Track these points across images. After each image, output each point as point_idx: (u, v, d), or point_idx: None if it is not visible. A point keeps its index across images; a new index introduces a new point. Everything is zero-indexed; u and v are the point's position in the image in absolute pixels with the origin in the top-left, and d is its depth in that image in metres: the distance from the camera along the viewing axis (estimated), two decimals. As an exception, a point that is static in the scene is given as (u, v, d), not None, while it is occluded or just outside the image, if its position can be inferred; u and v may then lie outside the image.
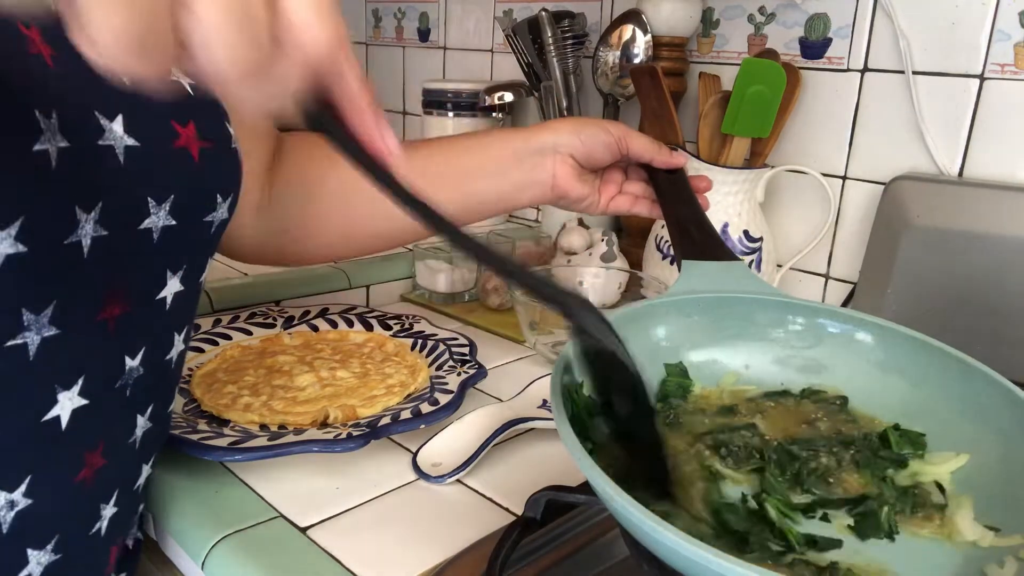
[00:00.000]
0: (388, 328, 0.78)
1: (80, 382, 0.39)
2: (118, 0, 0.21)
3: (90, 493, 0.43)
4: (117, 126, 0.39)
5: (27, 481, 0.38)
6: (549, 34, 1.06)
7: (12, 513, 0.38)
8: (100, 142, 0.39)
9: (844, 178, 0.89)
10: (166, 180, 0.42)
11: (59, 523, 0.41)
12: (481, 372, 0.67)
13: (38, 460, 0.39)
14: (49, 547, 0.40)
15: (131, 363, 0.43)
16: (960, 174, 0.81)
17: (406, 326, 0.78)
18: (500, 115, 1.21)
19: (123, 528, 0.47)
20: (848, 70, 0.87)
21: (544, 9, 1.08)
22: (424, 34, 1.41)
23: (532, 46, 1.11)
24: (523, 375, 0.72)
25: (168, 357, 0.47)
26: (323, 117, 0.26)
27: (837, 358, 0.48)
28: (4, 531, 0.38)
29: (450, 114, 1.21)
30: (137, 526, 0.52)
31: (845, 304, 0.90)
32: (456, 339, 0.75)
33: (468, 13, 1.32)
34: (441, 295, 0.93)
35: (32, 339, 0.36)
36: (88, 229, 0.38)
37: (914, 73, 0.82)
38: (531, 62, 1.12)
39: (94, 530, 0.43)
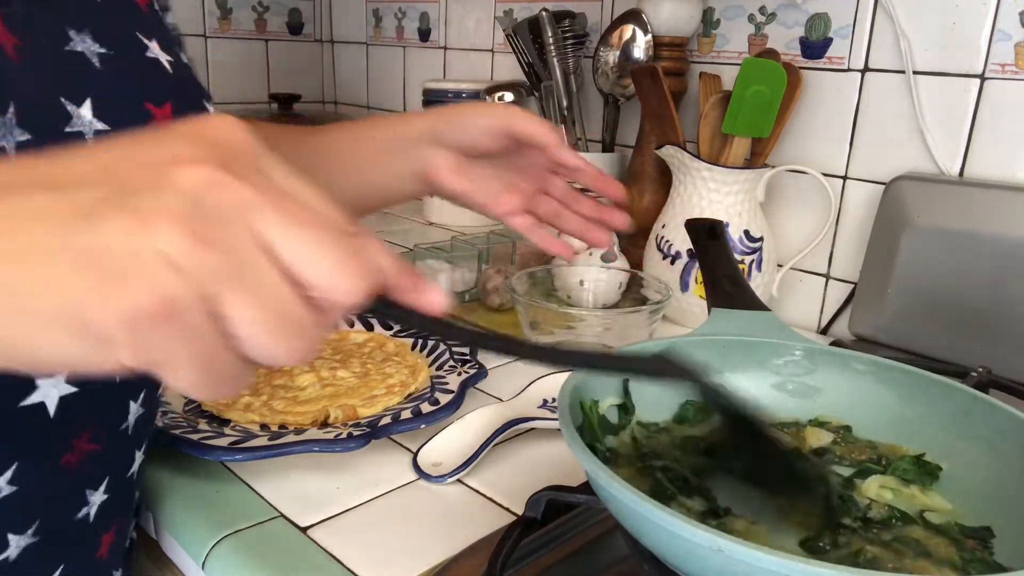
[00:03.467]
0: (388, 328, 0.78)
1: None
2: (188, 358, 0.24)
3: (75, 478, 0.43)
4: (86, 111, 0.38)
5: (13, 468, 0.38)
6: (549, 34, 1.06)
7: None
8: (67, 129, 0.38)
9: (845, 178, 0.89)
10: None
11: (41, 507, 0.40)
12: (481, 372, 0.67)
13: (24, 447, 0.38)
14: (29, 532, 0.40)
15: None
16: (961, 174, 0.81)
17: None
18: (500, 115, 1.21)
19: (117, 516, 0.47)
20: (849, 70, 0.87)
21: (544, 9, 1.08)
22: (424, 34, 1.41)
23: (532, 46, 1.11)
24: (523, 375, 0.72)
25: None
26: (375, 308, 0.28)
27: (829, 383, 0.51)
28: None
29: (450, 114, 1.21)
30: (133, 524, 0.52)
31: (845, 304, 0.90)
32: (456, 339, 0.74)
33: (468, 13, 1.32)
34: (441, 295, 0.93)
35: None
36: None
37: (915, 73, 0.82)
38: (531, 62, 1.12)
39: (80, 515, 0.43)
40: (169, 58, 0.45)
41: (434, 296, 0.29)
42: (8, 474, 0.38)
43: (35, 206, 0.23)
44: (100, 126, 0.39)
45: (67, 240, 0.23)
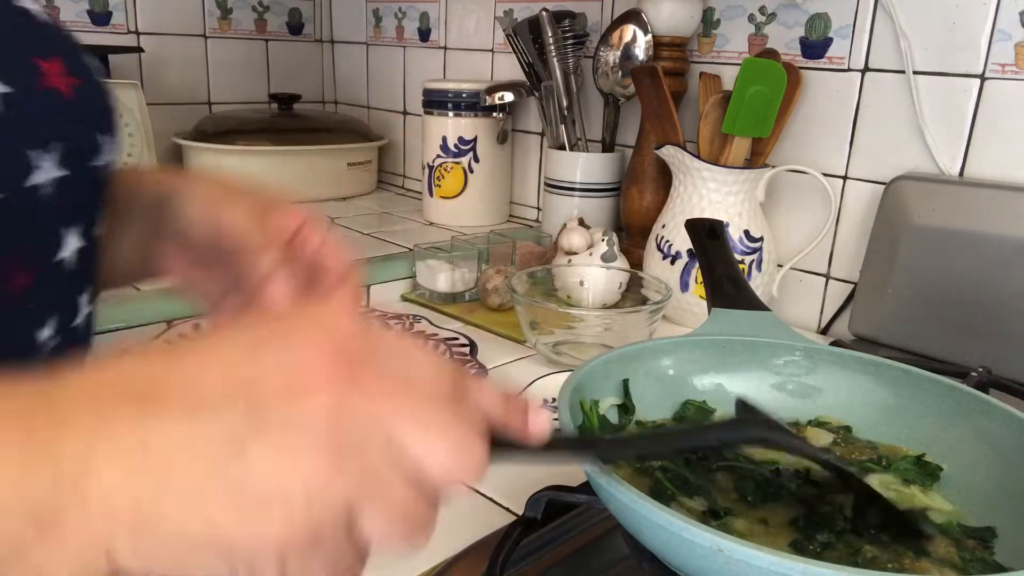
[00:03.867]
0: (389, 328, 0.78)
1: None
2: (322, 568, 0.25)
3: (19, 310, 0.38)
4: None
5: None
6: (550, 34, 1.06)
7: None
8: None
9: (845, 178, 0.89)
10: (45, 126, 0.38)
11: None
12: (482, 372, 0.67)
13: None
14: None
15: (43, 335, 0.38)
16: (961, 174, 0.81)
17: (407, 326, 0.78)
18: (500, 115, 1.21)
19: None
20: (849, 70, 0.87)
21: (545, 9, 1.08)
22: (425, 34, 1.41)
23: (533, 46, 1.11)
24: (524, 375, 0.72)
25: (76, 323, 0.41)
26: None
27: (829, 383, 0.51)
28: None
29: (451, 114, 1.21)
30: None
31: (845, 304, 0.90)
32: (457, 339, 0.75)
33: (468, 13, 1.32)
34: (441, 295, 0.93)
35: None
36: None
37: (915, 73, 0.82)
38: (532, 62, 1.12)
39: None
40: (36, 6, 0.40)
41: (539, 422, 0.30)
42: None
43: (180, 435, 0.24)
44: (4, 89, 0.35)
45: (215, 474, 0.23)
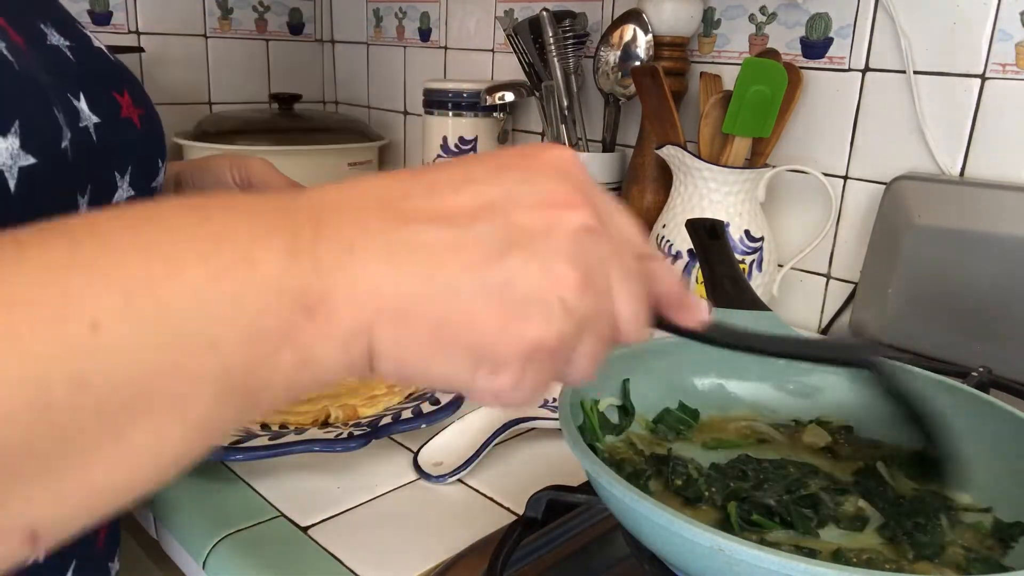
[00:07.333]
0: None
1: None
2: (538, 381, 0.26)
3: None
4: (83, 105, 0.39)
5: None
6: (550, 34, 1.06)
7: None
8: (80, 124, 0.39)
9: (845, 178, 0.89)
10: (123, 152, 0.43)
11: None
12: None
13: None
14: None
15: None
16: (961, 174, 0.80)
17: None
18: (501, 115, 1.21)
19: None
20: (849, 70, 0.87)
21: (545, 9, 1.08)
22: (425, 34, 1.41)
23: (533, 46, 1.11)
24: (524, 375, 0.72)
25: None
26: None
27: (829, 383, 0.51)
28: None
29: (451, 114, 1.21)
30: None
31: (846, 304, 0.90)
32: (457, 339, 0.74)
33: (469, 13, 1.32)
34: (442, 295, 0.93)
35: None
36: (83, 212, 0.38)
37: (915, 73, 0.82)
38: (532, 62, 1.12)
39: None
40: (101, 46, 0.45)
41: (700, 314, 0.32)
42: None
43: (443, 238, 0.24)
44: (95, 119, 0.40)
45: (484, 278, 0.24)
